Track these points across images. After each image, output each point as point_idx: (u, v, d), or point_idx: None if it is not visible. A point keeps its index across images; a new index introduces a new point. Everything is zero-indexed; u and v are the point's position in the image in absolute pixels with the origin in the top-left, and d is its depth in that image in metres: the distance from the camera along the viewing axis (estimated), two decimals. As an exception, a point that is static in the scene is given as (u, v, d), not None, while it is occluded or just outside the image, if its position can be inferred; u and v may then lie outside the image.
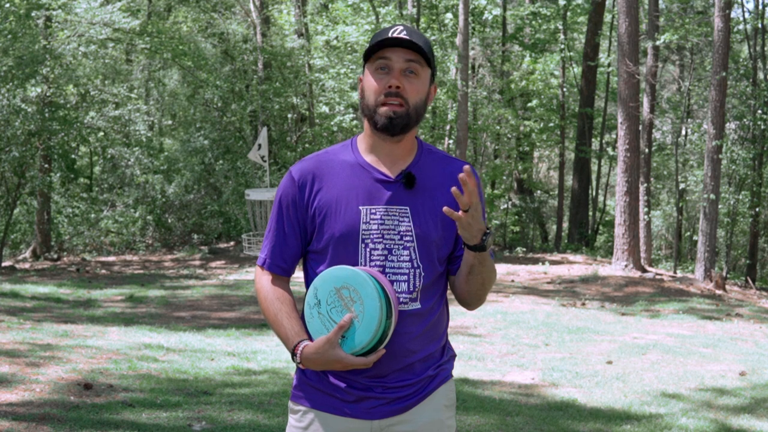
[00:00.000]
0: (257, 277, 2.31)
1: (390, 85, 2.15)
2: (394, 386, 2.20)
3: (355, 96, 20.18)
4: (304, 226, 2.24)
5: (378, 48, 2.17)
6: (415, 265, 2.20)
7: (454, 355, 2.37)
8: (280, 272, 2.28)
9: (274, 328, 2.24)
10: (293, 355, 2.16)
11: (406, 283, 2.19)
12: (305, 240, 2.26)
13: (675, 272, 17.09)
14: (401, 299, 2.19)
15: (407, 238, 2.20)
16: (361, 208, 2.19)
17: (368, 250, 2.18)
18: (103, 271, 15.94)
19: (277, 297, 2.24)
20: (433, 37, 22.23)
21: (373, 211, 2.19)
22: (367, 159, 2.24)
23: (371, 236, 2.18)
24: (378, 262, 2.18)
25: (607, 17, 23.66)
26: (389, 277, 2.18)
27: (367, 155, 2.25)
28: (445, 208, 2.07)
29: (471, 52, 21.90)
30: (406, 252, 2.19)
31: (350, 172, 2.23)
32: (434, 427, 2.24)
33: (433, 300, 2.24)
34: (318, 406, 2.23)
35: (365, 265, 2.19)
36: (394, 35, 2.15)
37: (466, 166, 2.08)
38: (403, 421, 2.21)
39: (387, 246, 2.19)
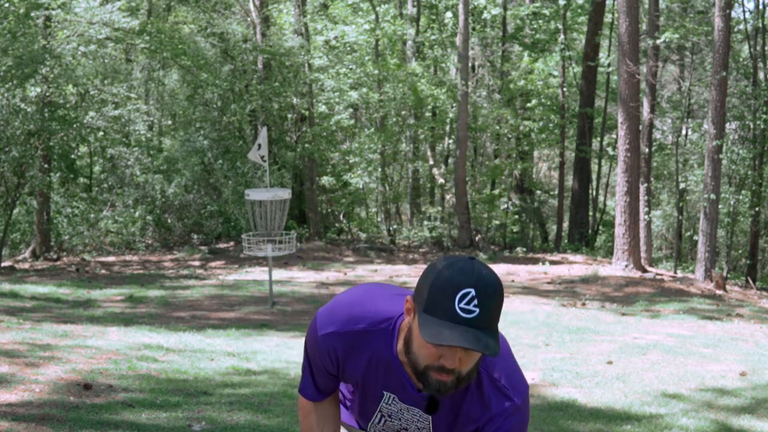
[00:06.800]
0: (300, 400, 2.30)
1: (445, 366, 1.92)
2: None
3: (354, 95, 20.18)
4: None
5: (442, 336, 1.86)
6: None
7: None
8: (323, 398, 2.28)
9: None
10: None
11: None
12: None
13: (675, 272, 17.07)
14: None
15: None
16: (385, 392, 2.13)
17: (383, 421, 2.20)
18: (103, 271, 15.93)
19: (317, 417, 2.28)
20: (432, 37, 22.25)
21: (396, 400, 2.13)
22: (402, 359, 2.04)
23: (391, 415, 2.17)
24: None
25: (607, 17, 23.65)
26: None
27: (403, 356, 2.04)
28: None
29: (471, 52, 21.89)
30: None
31: (383, 366, 2.10)
32: None
33: None
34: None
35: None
36: (463, 331, 1.82)
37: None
38: None
39: (403, 426, 2.18)
